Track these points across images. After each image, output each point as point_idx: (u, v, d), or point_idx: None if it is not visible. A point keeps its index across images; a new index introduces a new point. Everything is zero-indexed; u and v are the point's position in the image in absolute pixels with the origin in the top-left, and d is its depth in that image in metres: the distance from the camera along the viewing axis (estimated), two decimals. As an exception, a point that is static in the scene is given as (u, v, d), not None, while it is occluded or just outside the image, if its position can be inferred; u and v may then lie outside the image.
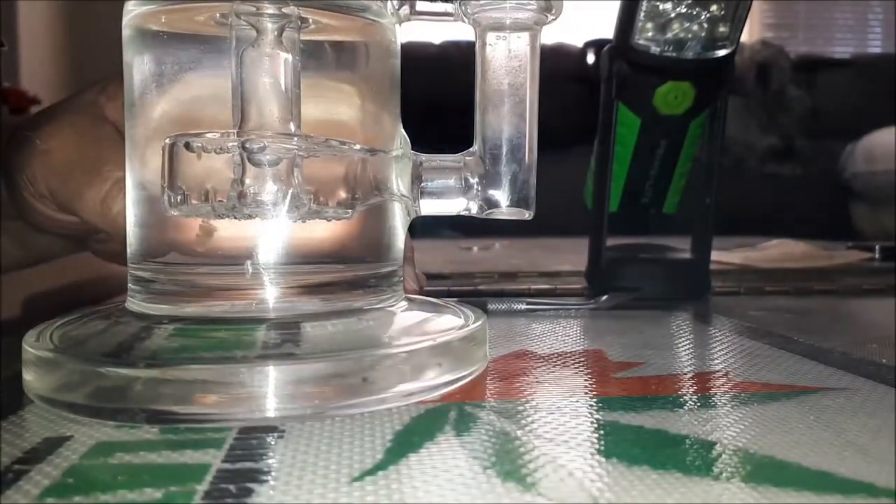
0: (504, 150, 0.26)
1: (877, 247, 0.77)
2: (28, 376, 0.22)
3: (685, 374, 0.26)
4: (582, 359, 0.28)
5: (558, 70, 2.04)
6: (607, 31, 0.45)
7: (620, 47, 0.43)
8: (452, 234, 1.24)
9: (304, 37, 0.23)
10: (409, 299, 0.28)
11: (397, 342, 0.23)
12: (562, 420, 0.20)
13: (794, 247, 0.79)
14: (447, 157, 0.26)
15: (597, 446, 0.18)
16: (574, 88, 1.94)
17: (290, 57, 0.22)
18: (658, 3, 0.41)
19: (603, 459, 0.17)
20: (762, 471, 0.16)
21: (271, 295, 0.23)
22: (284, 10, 0.22)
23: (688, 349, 0.31)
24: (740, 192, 1.79)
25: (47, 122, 0.30)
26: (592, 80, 0.50)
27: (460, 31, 0.27)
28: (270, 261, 0.23)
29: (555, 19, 0.26)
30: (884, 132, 1.87)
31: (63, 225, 0.31)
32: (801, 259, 0.72)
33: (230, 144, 0.22)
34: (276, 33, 0.22)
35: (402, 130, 0.27)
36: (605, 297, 0.41)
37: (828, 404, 0.22)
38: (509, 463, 0.17)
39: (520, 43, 0.25)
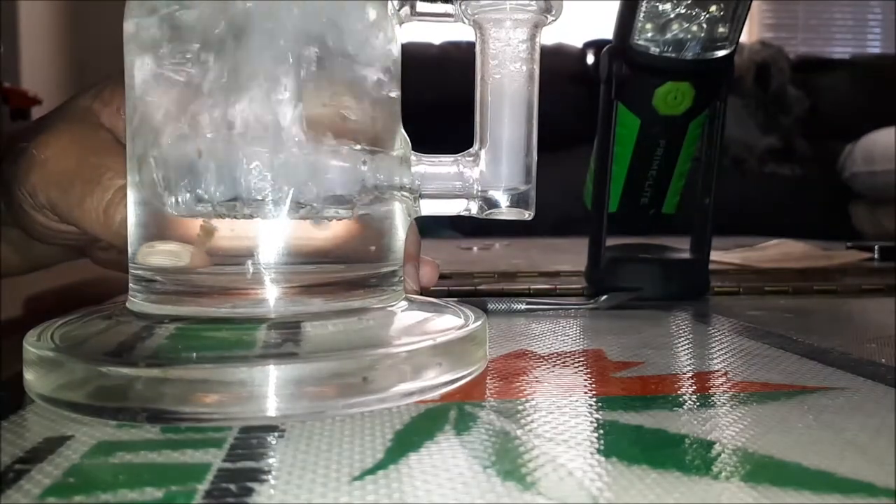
0: (504, 150, 0.26)
1: (876, 247, 0.77)
2: (29, 376, 0.22)
3: (684, 373, 0.26)
4: (581, 358, 0.28)
5: (558, 70, 2.03)
6: (607, 31, 0.45)
7: (620, 47, 0.43)
8: (452, 234, 1.25)
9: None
10: (409, 299, 0.28)
11: (397, 342, 0.23)
12: (561, 419, 0.20)
13: (794, 247, 0.79)
14: (447, 158, 0.26)
15: (596, 446, 0.18)
16: (574, 89, 1.94)
17: (291, 57, 0.22)
18: (658, 4, 0.41)
19: (602, 459, 0.17)
20: (761, 470, 0.16)
21: (272, 295, 0.23)
22: (286, 9, 0.22)
23: (687, 349, 0.31)
24: (740, 193, 1.80)
25: (43, 132, 0.30)
26: (592, 81, 0.50)
27: (460, 32, 0.27)
28: (271, 261, 0.23)
29: (555, 20, 0.26)
30: (883, 132, 1.87)
31: (65, 235, 0.31)
32: (801, 259, 0.72)
33: (231, 144, 0.22)
34: (278, 34, 0.22)
35: (403, 131, 0.27)
36: (604, 297, 0.41)
37: (827, 404, 0.22)
38: (509, 462, 0.17)
39: (520, 44, 0.25)
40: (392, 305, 0.26)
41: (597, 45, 2.06)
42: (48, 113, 0.32)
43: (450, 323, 0.25)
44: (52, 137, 0.29)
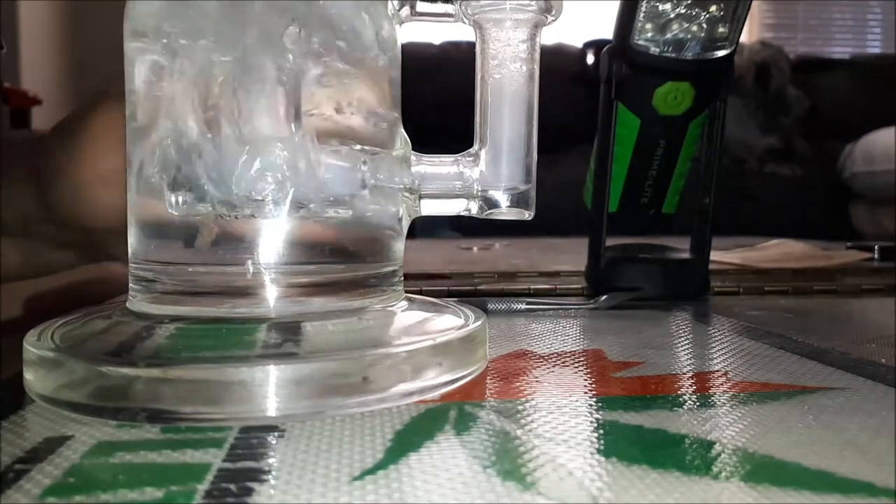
0: (504, 149, 0.26)
1: (876, 247, 0.77)
2: (29, 376, 0.22)
3: (684, 373, 0.26)
4: (581, 358, 0.28)
5: (558, 70, 2.04)
6: (607, 31, 0.45)
7: (620, 48, 0.43)
8: (452, 234, 1.25)
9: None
10: (409, 299, 0.28)
11: (397, 342, 0.23)
12: (561, 419, 0.20)
13: (794, 247, 0.79)
14: (447, 158, 0.27)
15: (596, 446, 0.18)
16: (574, 89, 1.94)
17: (292, 57, 0.22)
18: (658, 4, 0.41)
19: (602, 459, 0.17)
20: (761, 470, 0.16)
21: (272, 295, 0.23)
22: (287, 9, 0.22)
23: (687, 349, 0.31)
24: (740, 193, 1.80)
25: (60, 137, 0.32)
26: (592, 81, 0.50)
27: (460, 32, 0.27)
28: (271, 261, 0.23)
29: (555, 20, 0.26)
30: (883, 132, 1.87)
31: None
32: (801, 259, 0.72)
33: (231, 144, 0.22)
34: (278, 33, 0.22)
35: (403, 131, 0.27)
36: (604, 297, 0.41)
37: (827, 404, 0.22)
38: (509, 462, 0.17)
39: (520, 44, 0.25)
40: (392, 305, 0.26)
41: (597, 45, 2.06)
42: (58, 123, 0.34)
43: (450, 323, 0.25)
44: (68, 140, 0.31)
